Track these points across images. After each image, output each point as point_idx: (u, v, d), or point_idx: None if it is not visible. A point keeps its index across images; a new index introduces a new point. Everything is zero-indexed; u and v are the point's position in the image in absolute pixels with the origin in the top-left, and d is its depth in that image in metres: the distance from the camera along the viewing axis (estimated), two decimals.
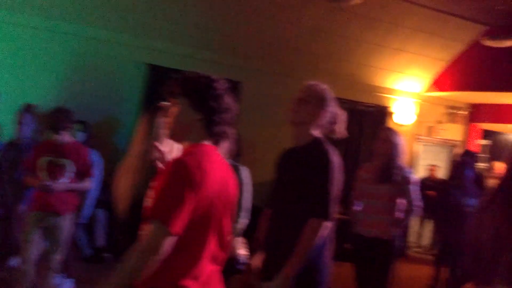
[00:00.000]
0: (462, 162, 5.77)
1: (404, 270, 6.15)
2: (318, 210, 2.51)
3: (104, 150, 5.61)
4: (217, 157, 1.91)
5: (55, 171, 4.14)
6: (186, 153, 1.87)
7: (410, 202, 4.12)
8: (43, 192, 4.10)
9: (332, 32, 7.19)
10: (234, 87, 6.79)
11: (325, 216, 2.52)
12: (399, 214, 4.11)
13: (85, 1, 5.96)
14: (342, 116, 2.76)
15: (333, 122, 2.71)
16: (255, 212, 3.43)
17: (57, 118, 4.20)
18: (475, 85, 8.21)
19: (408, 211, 4.13)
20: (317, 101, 2.66)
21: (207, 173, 1.77)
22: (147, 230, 1.72)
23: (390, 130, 4.33)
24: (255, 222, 3.08)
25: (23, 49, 5.80)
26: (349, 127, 4.58)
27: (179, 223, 1.70)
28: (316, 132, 2.68)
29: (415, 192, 4.18)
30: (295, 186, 2.59)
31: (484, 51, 7.56)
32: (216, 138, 1.93)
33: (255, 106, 6.97)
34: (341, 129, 2.76)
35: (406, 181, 4.10)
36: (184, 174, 1.73)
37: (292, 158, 2.70)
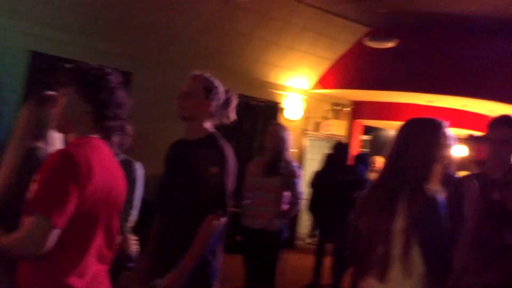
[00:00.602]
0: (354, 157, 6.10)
1: (292, 261, 6.34)
2: (215, 207, 2.49)
3: None
4: (105, 152, 1.85)
5: None
6: (72, 145, 1.79)
7: (295, 195, 4.28)
8: None
9: (225, 27, 7.26)
10: (124, 78, 6.59)
11: (223, 212, 2.51)
12: (285, 206, 4.25)
13: None
14: (233, 100, 2.71)
15: (224, 108, 2.67)
16: (147, 207, 3.35)
17: None
18: (357, 84, 8.71)
19: (294, 203, 4.30)
20: (202, 93, 2.59)
21: (93, 167, 1.70)
22: (26, 223, 1.63)
23: (278, 125, 4.48)
24: (146, 217, 3.02)
25: None
26: (242, 121, 4.65)
27: (63, 217, 1.62)
28: (209, 125, 2.63)
29: (300, 185, 4.36)
30: (187, 182, 2.54)
31: (366, 51, 8.04)
32: (106, 132, 1.87)
33: (147, 98, 6.82)
34: (232, 114, 2.72)
35: (292, 174, 4.25)
36: (69, 166, 1.66)
37: (184, 152, 2.63)
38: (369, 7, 7.40)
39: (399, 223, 2.20)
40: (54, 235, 1.62)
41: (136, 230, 3.45)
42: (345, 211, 5.36)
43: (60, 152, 1.73)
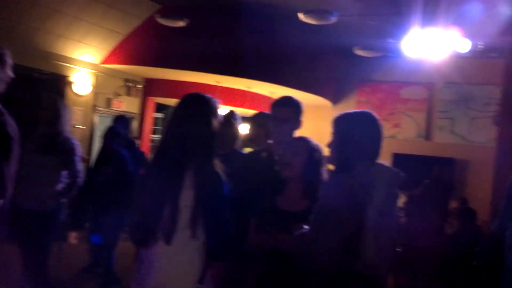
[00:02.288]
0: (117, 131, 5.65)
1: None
2: None
3: None
4: None
5: None
6: None
7: (74, 173, 4.01)
8: None
9: None
10: None
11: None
12: (61, 186, 3.97)
13: None
14: (6, 59, 2.52)
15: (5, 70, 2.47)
16: None
17: None
18: (149, 61, 8.69)
19: (72, 183, 4.02)
20: None
21: None
22: None
23: (54, 98, 4.12)
24: None
25: None
26: (24, 95, 4.24)
27: None
28: None
29: (79, 163, 4.10)
30: None
31: (159, 28, 8.04)
32: None
33: None
34: (9, 73, 2.53)
35: (71, 151, 3.97)
36: None
37: None
38: None
39: (184, 196, 2.32)
40: None
41: None
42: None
43: None
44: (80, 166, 4.10)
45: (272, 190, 2.70)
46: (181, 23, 7.69)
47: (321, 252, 2.23)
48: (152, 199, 2.35)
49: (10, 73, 2.51)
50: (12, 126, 2.40)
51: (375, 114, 2.41)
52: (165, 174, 2.36)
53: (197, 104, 2.43)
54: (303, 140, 2.73)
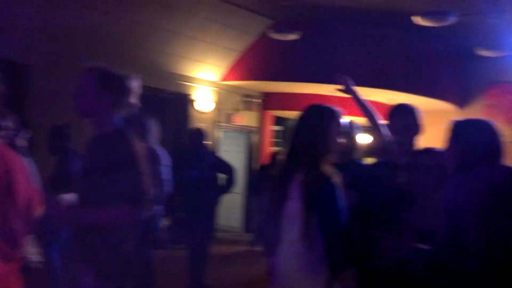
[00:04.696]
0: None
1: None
2: (132, 197, 2.37)
3: None
4: None
5: None
6: None
7: (161, 183, 4.30)
8: None
9: (127, 17, 7.07)
10: (22, 71, 6.24)
11: (137, 204, 2.39)
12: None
13: None
14: (133, 85, 2.54)
15: (125, 97, 2.51)
16: None
17: None
18: (266, 75, 8.85)
19: (160, 192, 4.27)
20: (97, 86, 2.41)
21: None
22: None
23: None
24: None
25: None
26: (151, 114, 4.58)
27: None
28: (115, 117, 2.48)
29: (167, 172, 4.40)
30: (98, 178, 2.42)
31: (272, 43, 8.18)
32: None
33: (47, 92, 6.50)
34: (134, 101, 2.57)
35: (157, 161, 4.25)
36: None
37: (96, 148, 2.51)
38: (271, 0, 7.53)
39: (291, 206, 2.30)
40: None
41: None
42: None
43: None
44: (168, 175, 4.32)
45: (399, 204, 2.59)
46: (293, 36, 7.76)
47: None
48: (268, 210, 2.38)
49: (133, 100, 2.53)
50: (138, 144, 2.49)
51: (492, 120, 2.35)
52: (276, 184, 2.39)
53: (315, 114, 2.42)
54: (431, 152, 2.60)
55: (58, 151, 4.71)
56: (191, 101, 8.65)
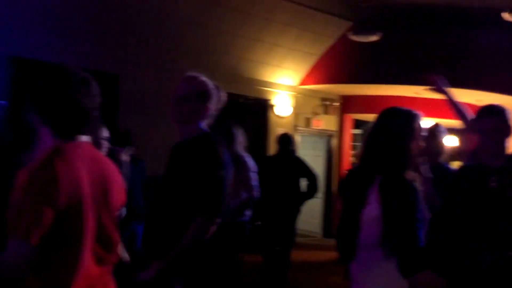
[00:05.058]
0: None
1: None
2: (206, 208, 2.42)
3: None
4: (80, 156, 1.78)
5: None
6: (38, 160, 1.72)
7: (250, 188, 4.38)
8: None
9: (208, 25, 7.25)
10: (112, 81, 6.57)
11: (214, 214, 2.42)
12: (239, 201, 4.33)
13: None
14: (222, 97, 2.65)
15: (215, 107, 2.60)
16: None
17: None
18: (345, 78, 8.74)
19: (249, 198, 4.40)
20: (198, 97, 2.52)
21: (62, 177, 1.66)
22: (9, 246, 1.64)
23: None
24: None
25: None
26: (232, 120, 4.69)
27: (39, 235, 1.62)
28: (203, 124, 2.57)
29: (254, 179, 4.45)
30: (182, 183, 2.49)
31: (351, 45, 8.07)
32: (69, 135, 1.78)
33: (136, 101, 6.80)
34: (218, 109, 2.65)
35: (245, 168, 4.35)
36: (36, 184, 1.63)
37: (180, 153, 2.58)
38: (351, 2, 7.43)
39: (370, 211, 2.24)
40: (32, 254, 1.63)
41: None
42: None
43: (26, 171, 1.68)
44: (255, 181, 4.35)
45: (491, 210, 2.45)
46: (374, 38, 7.61)
47: None
48: (345, 214, 2.35)
49: (215, 106, 2.61)
50: (223, 149, 2.53)
51: None
52: (353, 188, 2.34)
53: (394, 118, 2.37)
54: None
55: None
56: (271, 106, 8.71)
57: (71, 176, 1.69)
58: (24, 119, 4.59)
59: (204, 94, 2.53)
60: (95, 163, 1.83)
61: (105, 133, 3.57)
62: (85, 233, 1.75)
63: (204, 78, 2.59)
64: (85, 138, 1.83)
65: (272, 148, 8.02)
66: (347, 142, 10.16)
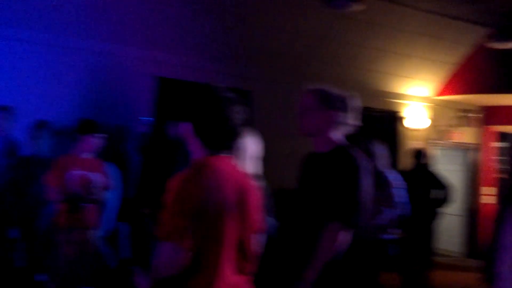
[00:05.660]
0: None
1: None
2: (339, 213, 2.37)
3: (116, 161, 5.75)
4: (225, 169, 1.91)
5: (85, 184, 4.24)
6: (189, 170, 1.87)
7: (393, 205, 4.19)
8: (72, 207, 4.17)
9: (335, 38, 7.31)
10: (245, 97, 6.94)
11: (347, 220, 2.36)
12: (384, 218, 4.17)
13: (94, 17, 6.17)
14: (353, 104, 2.57)
15: (345, 115, 2.55)
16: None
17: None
18: (485, 88, 8.21)
19: (393, 216, 4.22)
20: (319, 106, 2.51)
21: (208, 187, 1.80)
22: (159, 249, 1.76)
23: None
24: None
25: (36, 66, 6.01)
26: (361, 133, 4.71)
27: (190, 239, 1.75)
28: (336, 136, 2.54)
29: (399, 195, 4.25)
30: (318, 194, 2.46)
31: (491, 53, 7.59)
32: (217, 149, 1.93)
33: (267, 115, 7.09)
34: (355, 119, 2.59)
35: (387, 185, 4.19)
36: (184, 193, 1.77)
37: (315, 165, 2.57)
38: (488, 8, 7.01)
39: (508, 236, 2.14)
40: (185, 257, 1.76)
41: None
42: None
43: (175, 180, 1.82)
44: (402, 198, 4.19)
45: None
46: None
47: None
48: (495, 234, 2.25)
49: (354, 118, 2.57)
50: (360, 160, 2.47)
51: None
52: (502, 205, 2.23)
53: None
54: None
55: None
56: (401, 118, 8.50)
57: (217, 187, 1.82)
58: (167, 134, 5.10)
59: (325, 102, 2.52)
60: (235, 177, 1.94)
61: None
62: (226, 241, 1.83)
63: (326, 87, 2.57)
64: (228, 153, 1.96)
65: (403, 162, 7.81)
66: (489, 156, 9.49)
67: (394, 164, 8.06)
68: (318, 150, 2.56)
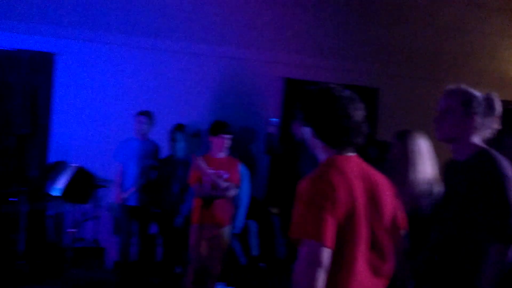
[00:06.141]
0: None
1: None
2: (500, 234, 2.18)
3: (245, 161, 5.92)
4: (353, 168, 1.89)
5: (218, 182, 4.42)
6: (316, 171, 1.87)
7: None
8: (205, 204, 4.37)
9: (470, 29, 6.86)
10: (372, 94, 6.79)
11: (509, 239, 2.18)
12: None
13: (224, 24, 6.46)
14: (495, 106, 2.39)
15: (487, 118, 2.36)
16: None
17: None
18: None
19: None
20: (461, 109, 2.34)
21: (339, 187, 1.78)
22: (304, 252, 1.74)
23: None
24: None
25: (174, 73, 6.43)
26: (503, 129, 4.30)
27: (330, 237, 1.72)
28: (477, 140, 2.37)
29: None
30: (465, 206, 2.30)
31: None
32: (342, 148, 1.91)
33: (394, 112, 6.87)
34: (496, 122, 2.41)
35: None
36: (316, 194, 1.76)
37: (457, 173, 2.39)
38: None
39: None
40: (328, 255, 1.72)
41: None
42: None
43: (306, 180, 1.82)
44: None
45: None
46: None
47: None
48: None
49: (496, 122, 2.40)
50: (505, 164, 2.27)
51: None
52: None
53: None
54: None
55: None
56: None
57: (345, 186, 1.79)
58: (293, 134, 5.17)
59: (467, 105, 2.35)
60: (365, 175, 1.91)
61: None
62: (359, 241, 1.80)
63: (466, 88, 2.40)
64: (354, 152, 1.94)
65: None
66: None
67: None
68: (457, 157, 2.40)
